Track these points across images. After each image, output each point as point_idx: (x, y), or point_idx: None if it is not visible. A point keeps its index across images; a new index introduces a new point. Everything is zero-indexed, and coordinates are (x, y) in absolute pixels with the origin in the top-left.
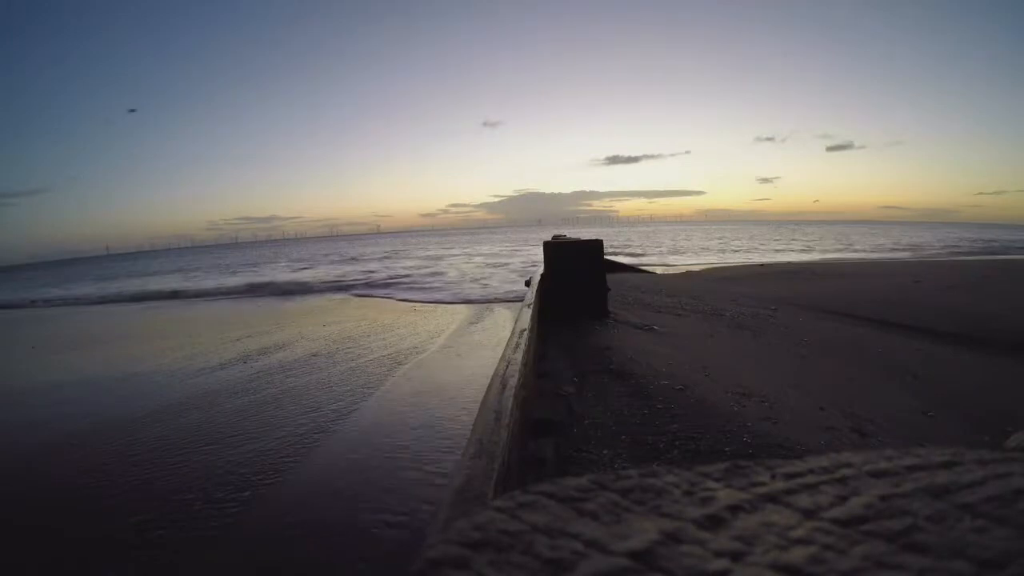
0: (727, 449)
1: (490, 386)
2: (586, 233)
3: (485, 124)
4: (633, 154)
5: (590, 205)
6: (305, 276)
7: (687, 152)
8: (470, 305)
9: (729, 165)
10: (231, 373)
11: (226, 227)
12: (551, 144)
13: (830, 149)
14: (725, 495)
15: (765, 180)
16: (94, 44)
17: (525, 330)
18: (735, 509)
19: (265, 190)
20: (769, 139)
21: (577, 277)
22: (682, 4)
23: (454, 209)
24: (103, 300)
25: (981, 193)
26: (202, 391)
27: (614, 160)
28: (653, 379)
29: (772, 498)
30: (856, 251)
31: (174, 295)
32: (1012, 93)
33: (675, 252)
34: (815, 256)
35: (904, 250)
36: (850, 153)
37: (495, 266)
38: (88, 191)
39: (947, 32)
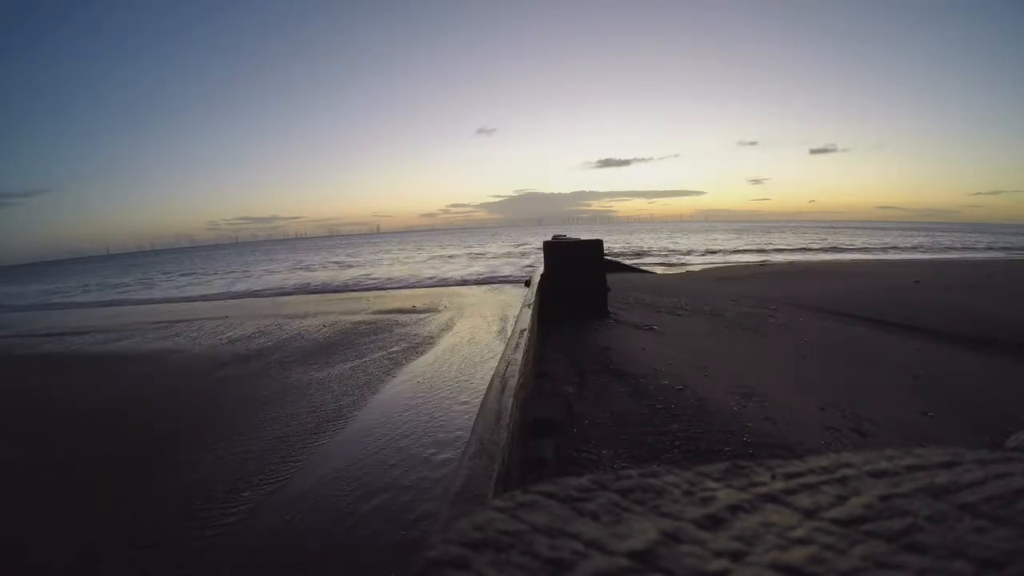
0: (727, 449)
1: (490, 386)
2: (585, 233)
3: (480, 131)
4: (624, 157)
5: (589, 205)
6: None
7: (676, 155)
8: None
9: (719, 167)
10: None
11: (226, 227)
12: (546, 148)
13: (813, 152)
14: (725, 495)
15: (755, 181)
16: (92, 42)
17: (525, 330)
18: (735, 509)
19: (266, 190)
20: (752, 143)
21: (577, 277)
22: (666, 12)
23: (455, 209)
24: None
25: (979, 193)
26: None
27: (606, 163)
28: (653, 379)
29: (772, 498)
30: (856, 251)
31: None
32: (1011, 92)
33: (676, 251)
34: (815, 255)
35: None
36: (835, 156)
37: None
38: (89, 192)
39: (931, 33)
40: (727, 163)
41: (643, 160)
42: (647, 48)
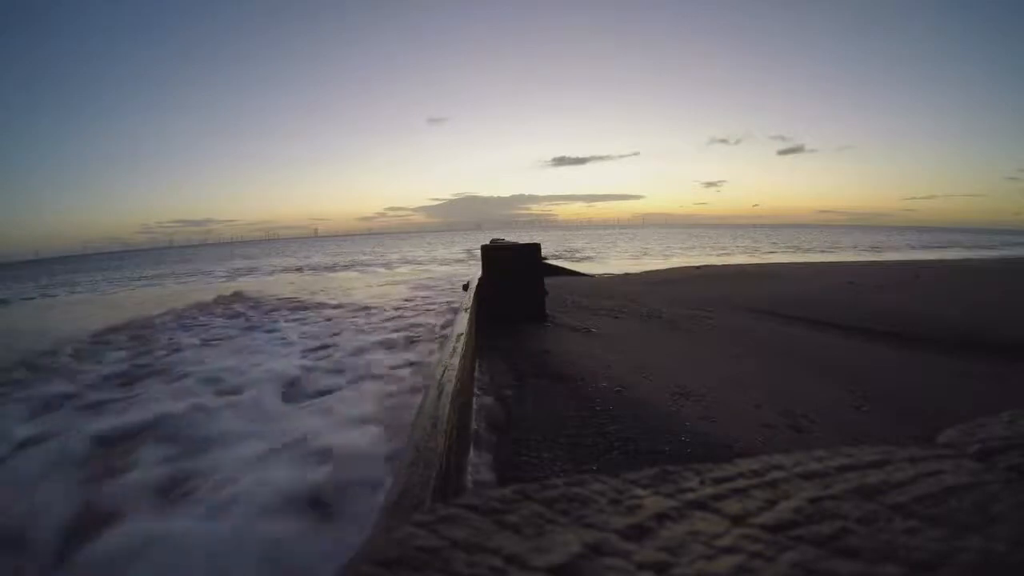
0: (666, 449)
1: (427, 392)
2: (524, 237)
3: (430, 120)
4: (581, 155)
5: (529, 209)
6: None
7: (636, 153)
8: None
9: (677, 168)
10: None
11: (159, 230)
12: (497, 144)
13: (782, 152)
14: (652, 503)
15: (710, 184)
16: (13, 37)
17: (462, 334)
18: (662, 517)
19: (200, 191)
20: (723, 141)
21: (515, 280)
22: (645, 4)
23: (392, 213)
24: None
25: (913, 198)
26: None
27: (561, 161)
28: (592, 381)
29: (700, 504)
30: (792, 253)
31: None
32: (943, 95)
33: (614, 254)
34: (751, 259)
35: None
36: (801, 156)
37: None
38: (16, 193)
39: (899, 32)
40: (688, 164)
41: (601, 159)
42: (616, 39)
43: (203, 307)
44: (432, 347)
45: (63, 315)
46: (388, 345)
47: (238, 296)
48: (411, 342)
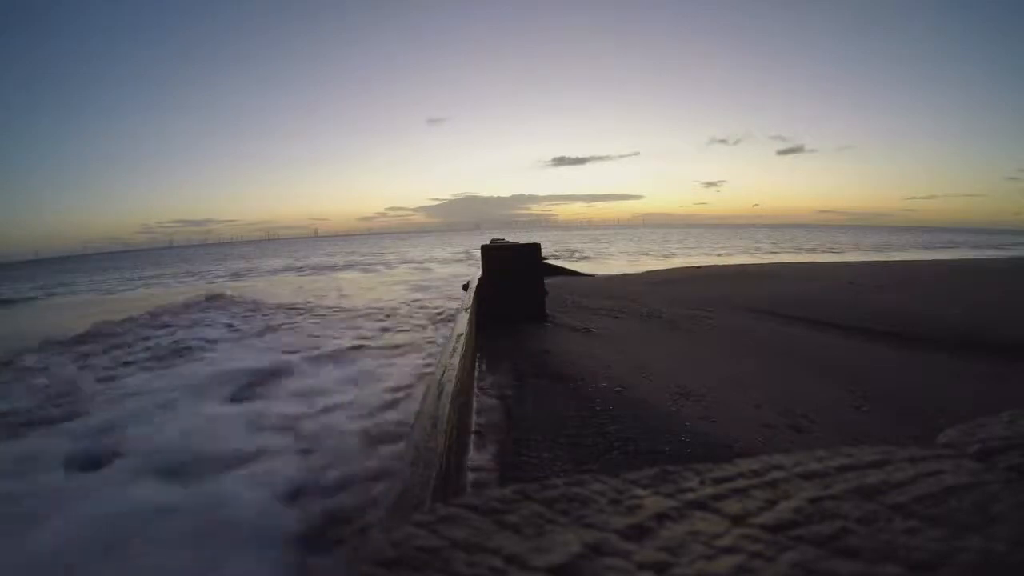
0: (666, 449)
1: (427, 392)
2: (524, 237)
3: (430, 121)
4: (580, 155)
5: (529, 209)
6: None
7: (636, 153)
8: None
9: (677, 168)
10: None
11: (159, 230)
12: (497, 144)
13: (781, 152)
14: (652, 503)
15: (710, 184)
16: (13, 37)
17: (462, 334)
18: (662, 517)
19: (200, 191)
20: (722, 141)
21: (515, 280)
22: (647, 4)
23: (392, 213)
24: None
25: (913, 197)
26: None
27: (561, 161)
28: (592, 381)
29: (700, 504)
30: (792, 253)
31: None
32: (943, 95)
33: (613, 254)
34: (751, 259)
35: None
36: (801, 156)
37: None
38: (16, 193)
39: (898, 32)
40: (688, 164)
41: (600, 159)
42: (615, 41)
43: (186, 309)
44: (416, 383)
45: (48, 319)
46: (354, 381)
47: (227, 300)
48: (395, 366)
